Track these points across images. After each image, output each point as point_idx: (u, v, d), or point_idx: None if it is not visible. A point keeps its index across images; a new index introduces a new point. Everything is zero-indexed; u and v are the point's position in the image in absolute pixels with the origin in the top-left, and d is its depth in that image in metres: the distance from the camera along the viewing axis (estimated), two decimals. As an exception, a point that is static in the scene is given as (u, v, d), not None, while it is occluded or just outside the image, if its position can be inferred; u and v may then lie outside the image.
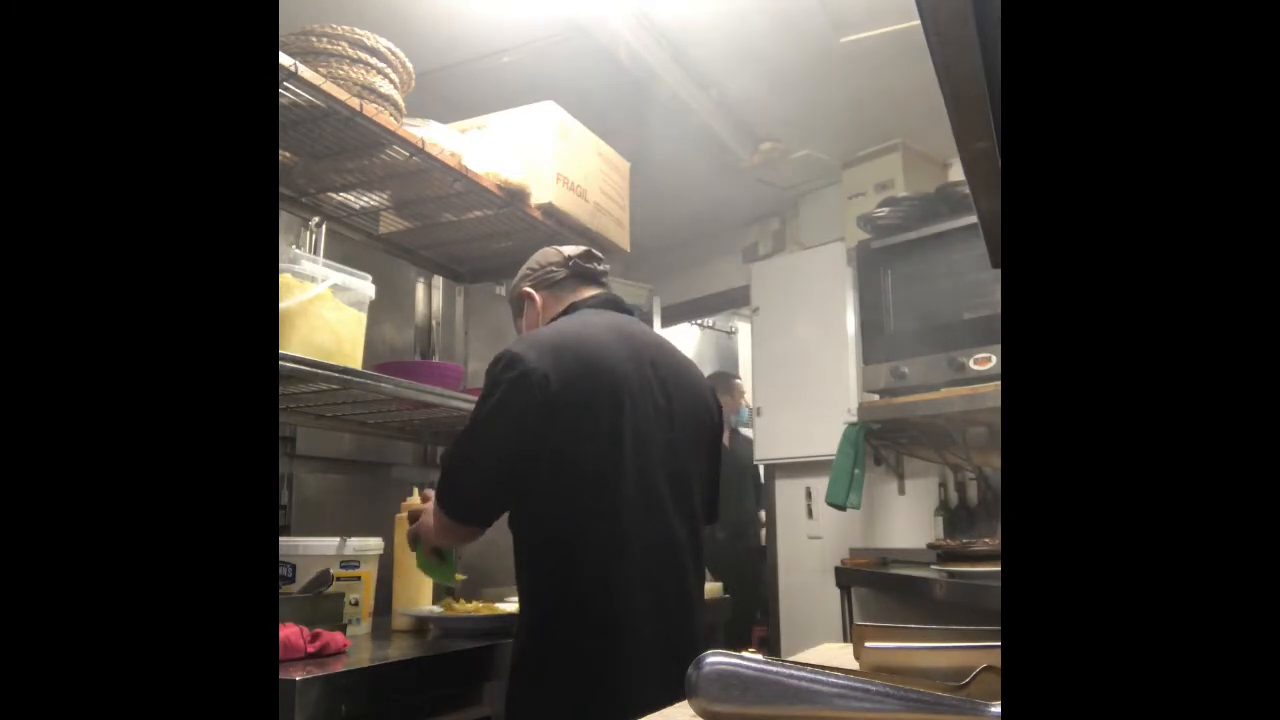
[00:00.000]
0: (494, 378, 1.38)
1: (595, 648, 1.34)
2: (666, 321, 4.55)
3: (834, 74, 2.77)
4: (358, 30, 1.71)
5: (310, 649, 1.37)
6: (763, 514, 4.42)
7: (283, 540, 1.76)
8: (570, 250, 1.67)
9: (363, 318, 1.74)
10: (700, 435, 1.57)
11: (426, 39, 2.40)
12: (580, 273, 1.64)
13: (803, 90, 2.89)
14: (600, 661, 1.33)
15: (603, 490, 1.38)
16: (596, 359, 1.42)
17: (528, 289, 1.64)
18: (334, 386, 1.69)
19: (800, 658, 0.77)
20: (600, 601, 1.35)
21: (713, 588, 2.54)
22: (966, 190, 1.00)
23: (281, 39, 1.62)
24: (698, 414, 1.57)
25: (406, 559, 1.96)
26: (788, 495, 3.70)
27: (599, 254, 1.68)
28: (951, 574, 2.38)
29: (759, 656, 0.60)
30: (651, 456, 1.44)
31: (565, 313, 1.58)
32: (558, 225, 2.15)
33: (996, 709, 0.54)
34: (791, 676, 0.58)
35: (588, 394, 1.39)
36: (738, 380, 4.80)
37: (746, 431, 4.53)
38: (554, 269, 1.64)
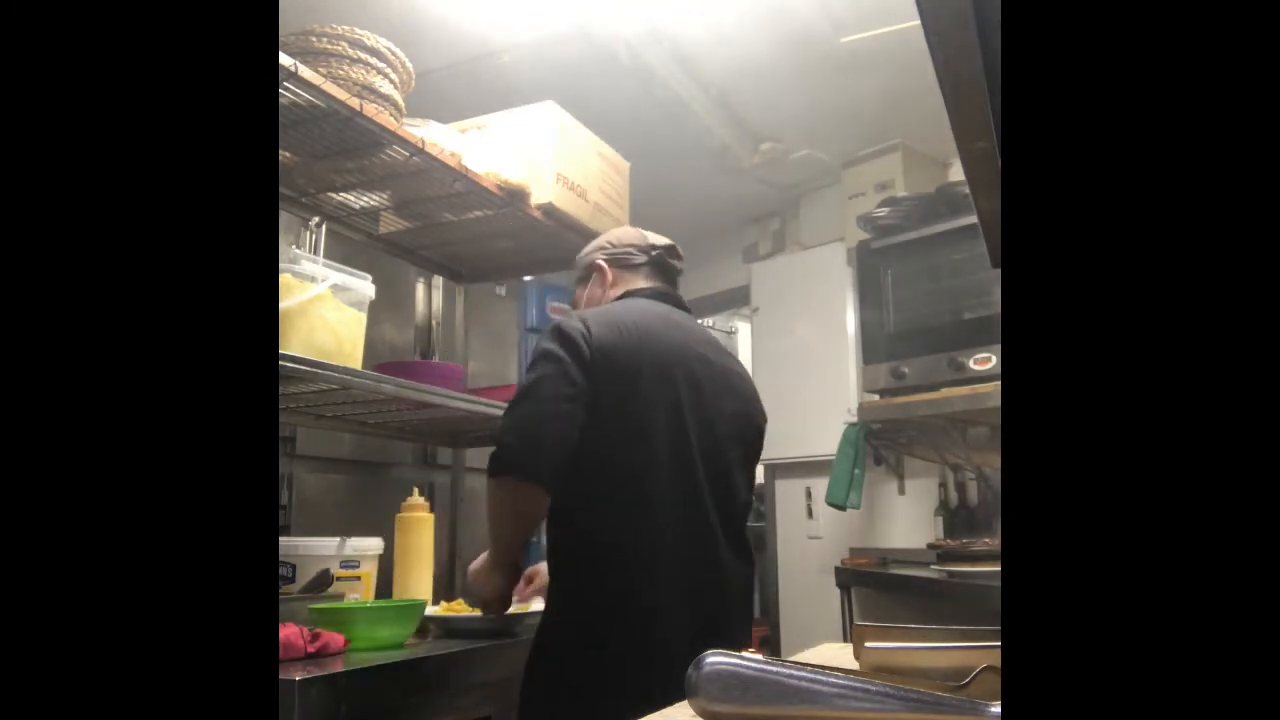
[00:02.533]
0: (542, 345, 1.37)
1: (624, 646, 1.32)
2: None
3: (834, 74, 2.76)
4: (358, 30, 1.71)
5: (310, 649, 1.37)
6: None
7: (283, 540, 1.76)
8: (656, 240, 1.67)
9: (363, 318, 1.74)
10: (741, 432, 1.56)
11: (426, 39, 2.40)
12: (660, 264, 1.64)
13: (803, 90, 2.88)
14: (630, 662, 1.32)
15: (634, 483, 1.37)
16: (644, 344, 1.42)
17: (601, 261, 1.64)
18: (334, 386, 1.68)
19: (800, 658, 0.77)
20: (631, 600, 1.34)
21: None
22: (966, 190, 1.00)
23: (281, 39, 1.62)
24: (741, 412, 1.57)
25: (406, 559, 1.96)
26: (788, 495, 3.69)
27: (681, 253, 1.69)
28: (951, 574, 2.39)
29: (759, 656, 0.60)
30: (689, 449, 1.43)
31: (623, 297, 1.58)
32: (558, 225, 2.15)
33: (996, 709, 0.54)
34: (791, 676, 0.58)
35: (631, 375, 1.38)
36: None
37: None
38: (633, 252, 1.64)
